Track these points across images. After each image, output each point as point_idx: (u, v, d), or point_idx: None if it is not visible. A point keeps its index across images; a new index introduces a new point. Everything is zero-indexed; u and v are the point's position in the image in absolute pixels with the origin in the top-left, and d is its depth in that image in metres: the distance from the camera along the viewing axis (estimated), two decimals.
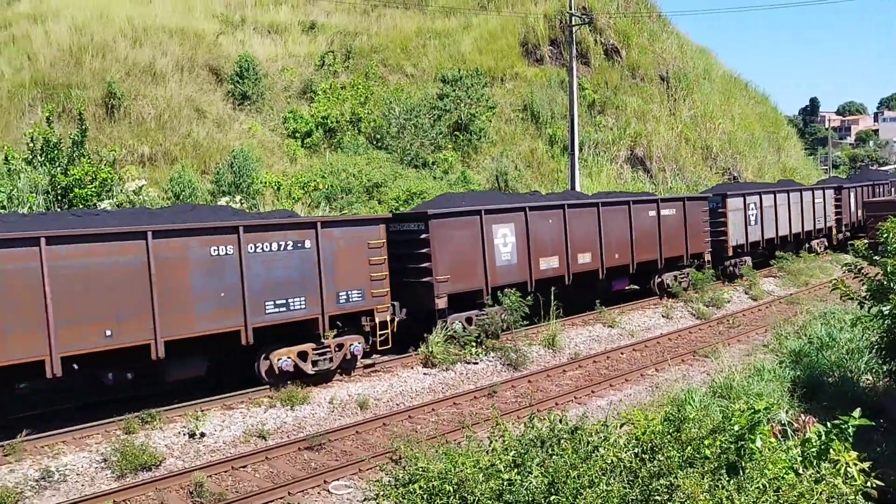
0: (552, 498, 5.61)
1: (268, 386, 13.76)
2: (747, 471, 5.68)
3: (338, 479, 10.54)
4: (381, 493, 6.60)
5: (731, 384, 11.83)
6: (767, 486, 5.47)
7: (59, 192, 18.47)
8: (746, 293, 24.47)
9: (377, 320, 15.06)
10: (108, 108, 24.13)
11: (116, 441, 11.41)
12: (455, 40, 36.60)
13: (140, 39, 27.33)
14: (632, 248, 21.08)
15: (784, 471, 5.63)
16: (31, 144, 19.26)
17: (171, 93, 25.91)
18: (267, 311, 13.34)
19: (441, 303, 16.17)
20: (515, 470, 6.02)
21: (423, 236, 16.09)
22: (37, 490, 10.22)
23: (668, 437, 6.10)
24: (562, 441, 6.44)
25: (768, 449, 5.89)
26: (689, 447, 5.94)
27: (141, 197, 19.21)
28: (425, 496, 6.13)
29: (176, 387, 13.46)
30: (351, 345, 14.73)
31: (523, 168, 31.94)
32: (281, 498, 9.95)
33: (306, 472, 10.77)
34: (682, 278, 23.08)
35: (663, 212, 22.23)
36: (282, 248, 13.58)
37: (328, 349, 14.39)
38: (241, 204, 20.90)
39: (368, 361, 15.53)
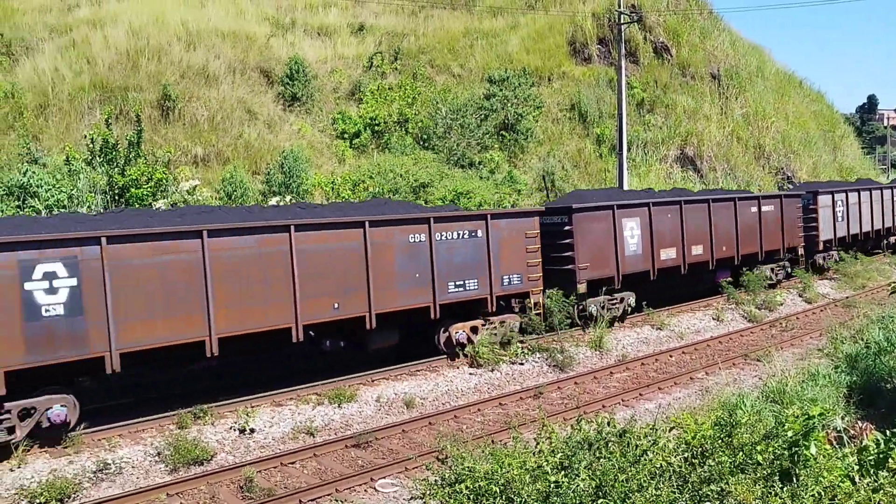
0: (600, 501, 5.58)
1: (445, 355, 15.85)
2: (801, 478, 5.57)
3: (384, 477, 10.62)
4: (428, 492, 6.65)
5: (784, 389, 11.57)
6: (822, 494, 5.35)
7: (117, 191, 19.01)
8: (800, 296, 23.90)
9: (532, 301, 16.97)
10: (163, 110, 24.71)
11: (170, 435, 11.69)
12: (502, 40, 36.51)
13: (194, 43, 27.93)
14: (737, 241, 22.75)
15: (840, 479, 5.51)
16: (91, 145, 19.86)
17: (223, 95, 26.41)
18: (449, 291, 15.46)
19: (581, 287, 18.04)
20: (562, 472, 6.00)
21: (566, 228, 17.92)
22: (94, 482, 10.54)
23: (719, 441, 6.02)
24: (609, 444, 6.41)
25: (823, 456, 5.76)
26: (740, 452, 5.85)
27: (194, 197, 19.64)
28: (472, 496, 6.16)
29: (375, 355, 15.55)
30: (507, 322, 16.66)
31: (570, 168, 31.71)
32: (329, 494, 10.07)
33: (353, 470, 10.89)
34: (779, 270, 24.61)
35: (763, 208, 23.83)
36: (460, 237, 15.65)
37: (494, 325, 16.36)
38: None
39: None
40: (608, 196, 20.28)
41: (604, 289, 18.66)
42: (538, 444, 6.73)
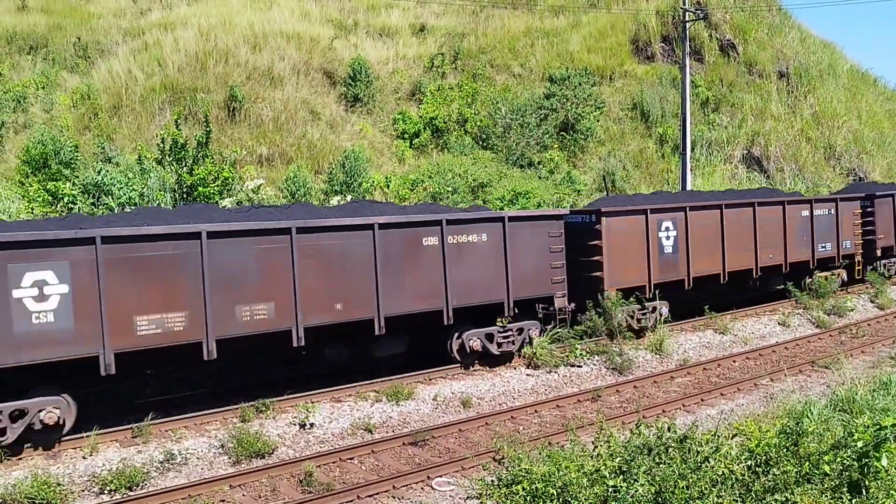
0: None
1: (787, 298, 21.37)
2: (871, 490, 5.39)
3: (441, 476, 10.67)
4: (485, 492, 6.67)
5: (854, 398, 11.19)
6: None
7: (185, 190, 19.58)
8: (872, 301, 23.01)
9: (856, 260, 23.42)
10: (229, 111, 25.37)
11: (233, 428, 11.98)
12: (563, 39, 36.25)
13: (260, 45, 28.58)
14: None
15: None
16: (161, 145, 20.51)
17: (287, 96, 26.95)
18: (818, 250, 21.90)
19: (878, 252, 24.16)
20: (621, 477, 5.95)
21: (869, 209, 24.11)
22: (161, 471, 10.87)
23: (785, 450, 5.87)
24: (670, 449, 6.32)
25: (895, 468, 5.56)
26: (807, 462, 5.70)
27: (259, 195, 20.08)
28: (528, 498, 6.16)
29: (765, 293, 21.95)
30: (841, 274, 22.96)
31: (631, 168, 31.28)
32: (386, 491, 10.17)
33: (410, 467, 10.97)
34: None
35: None
36: (823, 213, 22.12)
37: (836, 276, 22.64)
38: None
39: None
40: (871, 188, 26.41)
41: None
42: (596, 447, 6.68)
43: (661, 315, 17.96)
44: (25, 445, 11.15)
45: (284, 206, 14.68)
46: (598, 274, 16.86)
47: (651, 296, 17.72)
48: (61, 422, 11.16)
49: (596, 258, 16.85)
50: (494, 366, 15.50)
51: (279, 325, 12.45)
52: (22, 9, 30.35)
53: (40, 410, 11.00)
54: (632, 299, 17.43)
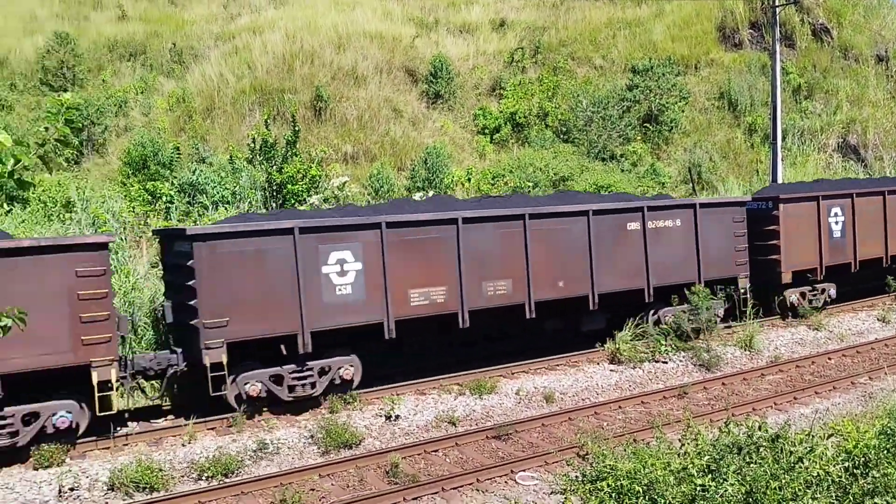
0: None
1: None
2: None
3: (524, 470, 10.71)
4: (569, 487, 6.70)
5: None
6: None
7: (275, 188, 20.24)
8: None
9: None
10: (315, 110, 26.03)
11: (322, 419, 12.36)
12: (646, 29, 35.48)
13: (344, 45, 29.19)
14: None
15: None
16: (251, 145, 21.26)
17: (371, 94, 27.44)
18: None
19: None
20: (709, 476, 5.87)
21: None
22: (255, 460, 11.32)
23: (885, 452, 5.67)
24: (761, 449, 6.19)
25: None
26: None
27: (344, 192, 20.56)
28: (613, 494, 6.15)
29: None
30: None
31: (718, 159, 30.38)
32: (470, 484, 10.28)
33: (494, 461, 11.04)
34: None
35: None
36: None
37: None
38: None
39: None
40: None
41: None
42: (683, 445, 6.61)
43: (829, 296, 19.13)
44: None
45: (506, 196, 16.95)
46: (775, 257, 17.92)
47: (821, 278, 18.74)
48: (353, 377, 13.14)
49: (773, 242, 17.97)
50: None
51: (515, 300, 14.30)
52: (122, 18, 31.98)
53: (339, 368, 13.00)
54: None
